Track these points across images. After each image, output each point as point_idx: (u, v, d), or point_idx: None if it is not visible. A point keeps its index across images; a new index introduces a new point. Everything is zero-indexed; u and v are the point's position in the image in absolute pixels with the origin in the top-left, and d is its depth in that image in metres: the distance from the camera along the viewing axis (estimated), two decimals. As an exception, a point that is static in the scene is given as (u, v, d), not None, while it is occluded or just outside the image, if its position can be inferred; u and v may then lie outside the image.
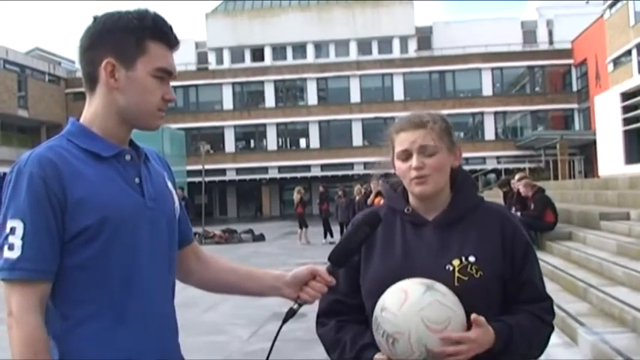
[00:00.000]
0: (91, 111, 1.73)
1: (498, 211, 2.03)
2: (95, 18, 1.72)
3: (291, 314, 1.84)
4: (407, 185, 1.99)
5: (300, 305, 1.86)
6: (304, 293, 1.86)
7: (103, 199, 1.62)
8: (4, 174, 1.62)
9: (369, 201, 14.00)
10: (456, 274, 1.85)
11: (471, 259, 1.87)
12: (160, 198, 1.77)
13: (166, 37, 1.73)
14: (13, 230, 1.55)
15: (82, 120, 1.74)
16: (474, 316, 1.72)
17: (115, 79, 1.68)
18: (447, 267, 1.86)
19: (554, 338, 5.95)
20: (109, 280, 1.62)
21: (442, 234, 1.94)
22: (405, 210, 2.02)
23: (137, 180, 1.73)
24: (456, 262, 1.86)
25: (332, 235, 21.04)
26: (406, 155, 1.95)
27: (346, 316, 2.00)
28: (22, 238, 1.54)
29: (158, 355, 1.70)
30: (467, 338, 1.70)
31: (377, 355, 1.80)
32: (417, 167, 1.91)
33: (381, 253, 1.98)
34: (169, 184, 1.88)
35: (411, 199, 2.03)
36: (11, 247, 1.54)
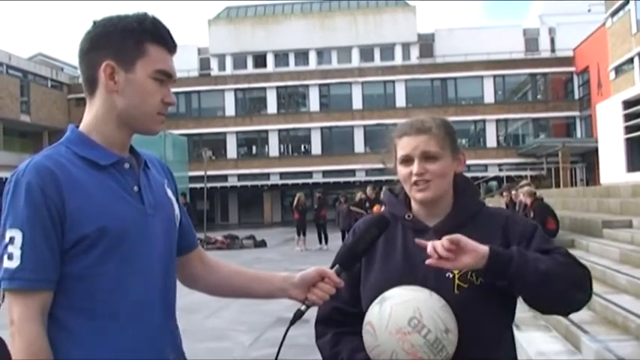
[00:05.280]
0: (91, 115, 1.72)
1: (501, 215, 1.99)
2: (95, 22, 1.72)
3: (298, 316, 1.82)
4: (408, 191, 1.96)
5: (307, 307, 1.84)
6: (312, 294, 1.84)
7: (101, 208, 1.61)
8: (6, 179, 1.61)
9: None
10: (456, 281, 1.82)
11: None
12: (159, 206, 1.76)
13: (165, 40, 1.72)
14: (12, 240, 1.54)
15: (82, 126, 1.73)
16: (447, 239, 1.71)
17: (114, 81, 1.67)
18: (447, 274, 1.83)
19: (558, 346, 5.96)
20: (108, 289, 1.61)
21: None
22: (406, 216, 1.99)
23: (136, 188, 1.72)
24: (456, 270, 1.83)
25: (326, 242, 21.02)
26: (408, 160, 1.92)
27: (344, 327, 1.96)
28: (21, 248, 1.53)
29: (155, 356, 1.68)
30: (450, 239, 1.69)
31: None
32: (418, 173, 1.89)
33: (382, 259, 1.95)
34: (169, 192, 1.87)
35: (412, 205, 2.00)
36: (10, 257, 1.53)
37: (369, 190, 18.46)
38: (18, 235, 1.53)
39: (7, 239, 1.54)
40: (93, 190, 1.62)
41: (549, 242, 1.89)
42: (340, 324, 1.98)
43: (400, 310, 1.68)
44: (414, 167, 1.90)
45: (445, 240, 1.69)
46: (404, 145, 1.94)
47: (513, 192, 15.08)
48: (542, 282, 1.70)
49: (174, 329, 1.83)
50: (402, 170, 1.95)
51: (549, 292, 1.73)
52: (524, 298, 1.80)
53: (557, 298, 1.76)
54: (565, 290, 1.75)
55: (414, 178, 1.90)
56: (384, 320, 1.69)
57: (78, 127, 1.74)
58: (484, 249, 1.71)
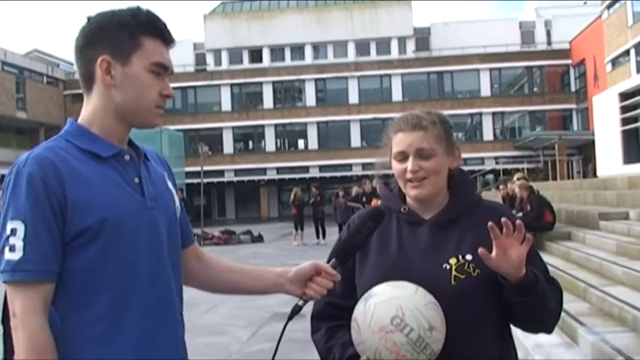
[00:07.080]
0: (89, 110, 1.72)
1: (497, 210, 1.98)
2: (89, 18, 1.72)
3: (296, 311, 1.81)
4: (402, 187, 1.96)
5: (305, 301, 1.83)
6: (310, 289, 1.83)
7: (102, 200, 1.60)
8: (3, 176, 1.61)
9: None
10: (453, 272, 1.82)
11: (468, 257, 1.84)
12: (160, 198, 1.76)
13: (161, 32, 1.72)
14: (13, 231, 1.52)
15: (80, 120, 1.73)
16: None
17: (110, 76, 1.67)
18: (443, 265, 1.84)
19: (555, 338, 5.97)
20: (110, 282, 1.60)
21: (439, 233, 1.92)
22: (402, 209, 1.99)
23: (137, 180, 1.71)
24: (452, 261, 1.84)
25: (324, 237, 21.08)
26: (402, 157, 1.92)
27: (338, 321, 1.96)
28: (24, 239, 1.52)
29: (160, 356, 1.68)
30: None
31: None
32: (412, 170, 1.89)
33: (377, 252, 1.95)
34: (170, 184, 1.86)
35: (408, 198, 2.00)
36: (12, 249, 1.52)
37: (367, 184, 18.44)
38: (20, 227, 1.52)
39: (8, 231, 1.53)
40: (94, 182, 1.61)
41: (544, 266, 1.98)
42: (335, 318, 1.98)
43: (383, 309, 1.68)
44: (409, 164, 1.90)
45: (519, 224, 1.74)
46: (398, 141, 1.94)
47: (509, 185, 15.02)
48: (540, 315, 1.85)
49: (180, 325, 1.81)
50: (397, 166, 1.95)
51: (538, 323, 1.91)
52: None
53: (538, 326, 1.94)
54: (551, 324, 1.92)
55: (408, 175, 1.90)
56: (368, 318, 1.69)
57: (77, 120, 1.73)
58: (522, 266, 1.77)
